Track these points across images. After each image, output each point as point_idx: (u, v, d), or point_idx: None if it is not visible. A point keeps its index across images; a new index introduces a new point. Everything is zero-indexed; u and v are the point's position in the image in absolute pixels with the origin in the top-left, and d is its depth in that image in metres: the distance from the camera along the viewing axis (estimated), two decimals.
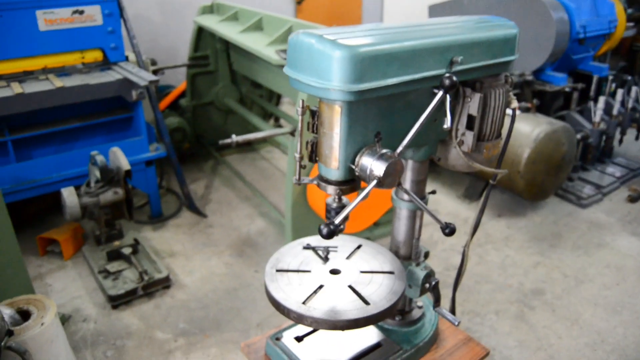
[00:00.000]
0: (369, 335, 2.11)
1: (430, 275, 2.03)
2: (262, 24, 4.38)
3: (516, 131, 4.19)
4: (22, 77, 3.82)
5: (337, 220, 1.46)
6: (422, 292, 2.03)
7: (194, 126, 5.49)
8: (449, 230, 1.80)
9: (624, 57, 6.84)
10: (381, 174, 1.55)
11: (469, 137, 1.88)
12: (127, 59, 4.21)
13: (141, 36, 5.96)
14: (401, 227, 2.05)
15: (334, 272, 1.91)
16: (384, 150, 1.59)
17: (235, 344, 3.14)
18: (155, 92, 5.70)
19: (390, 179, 1.58)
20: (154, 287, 3.53)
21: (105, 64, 4.12)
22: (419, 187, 1.98)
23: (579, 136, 4.59)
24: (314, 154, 1.71)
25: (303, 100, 1.62)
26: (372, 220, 3.81)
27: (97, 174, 3.52)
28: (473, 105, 1.82)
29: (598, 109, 4.61)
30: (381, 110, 1.61)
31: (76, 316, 3.38)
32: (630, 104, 4.75)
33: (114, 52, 4.07)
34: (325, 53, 1.41)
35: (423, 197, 2.01)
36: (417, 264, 2.05)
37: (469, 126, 1.87)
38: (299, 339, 2.07)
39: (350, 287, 1.82)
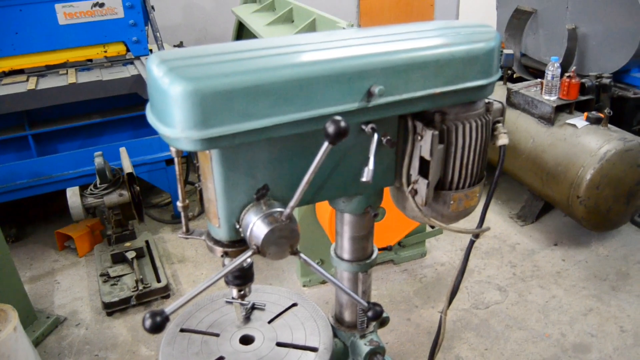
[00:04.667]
0: None
1: (375, 352, 1.60)
2: (292, 15, 4.02)
3: (579, 147, 3.49)
4: (45, 71, 3.79)
5: (168, 310, 1.10)
6: None
7: None
8: (372, 313, 1.37)
9: None
10: (259, 242, 1.18)
11: (423, 186, 1.42)
12: (151, 52, 4.06)
13: (192, 25, 5.84)
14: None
15: (245, 340, 1.56)
16: (275, 209, 1.21)
17: None
18: None
19: (275, 249, 1.20)
20: (151, 296, 3.36)
21: (129, 58, 3.99)
22: (361, 245, 1.56)
23: None
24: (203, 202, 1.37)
25: None
26: (393, 239, 3.33)
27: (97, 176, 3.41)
28: (425, 145, 1.36)
29: None
30: (274, 156, 1.22)
31: (71, 319, 3.31)
32: None
33: (136, 46, 3.92)
34: (160, 87, 1.04)
35: (368, 257, 1.58)
36: (363, 336, 1.64)
37: (423, 172, 1.41)
38: None
39: None
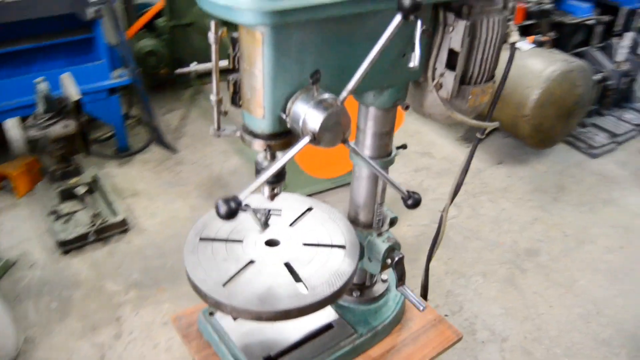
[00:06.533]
0: (319, 314, 1.77)
1: (393, 248, 1.65)
2: None
3: (526, 69, 3.68)
4: None
5: (242, 196, 1.07)
6: (383, 267, 1.66)
7: (172, 50, 4.96)
8: (412, 201, 1.41)
9: None
10: (316, 128, 1.14)
11: (449, 79, 1.44)
12: None
13: None
14: (360, 188, 1.66)
15: (271, 243, 1.54)
16: (325, 96, 1.18)
17: (191, 300, 2.84)
18: (133, 11, 5.18)
19: (330, 135, 1.18)
20: (108, 231, 3.21)
21: None
22: (383, 141, 1.57)
23: (597, 77, 4.07)
24: (237, 95, 1.30)
25: (216, 23, 1.18)
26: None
27: (41, 104, 3.11)
28: (456, 36, 1.38)
29: (622, 47, 4.05)
30: (324, 39, 1.18)
31: (22, 261, 3.09)
32: None
33: None
34: None
35: (388, 154, 1.61)
36: (379, 234, 1.68)
37: (450, 65, 1.43)
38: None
39: (286, 264, 1.46)
